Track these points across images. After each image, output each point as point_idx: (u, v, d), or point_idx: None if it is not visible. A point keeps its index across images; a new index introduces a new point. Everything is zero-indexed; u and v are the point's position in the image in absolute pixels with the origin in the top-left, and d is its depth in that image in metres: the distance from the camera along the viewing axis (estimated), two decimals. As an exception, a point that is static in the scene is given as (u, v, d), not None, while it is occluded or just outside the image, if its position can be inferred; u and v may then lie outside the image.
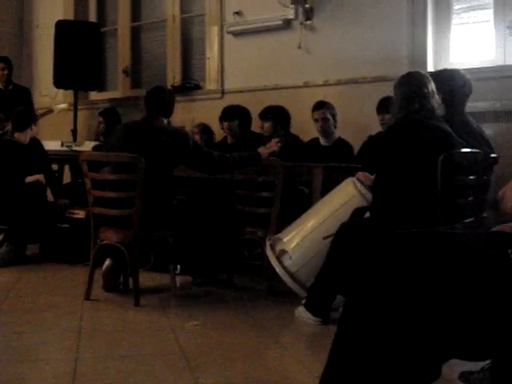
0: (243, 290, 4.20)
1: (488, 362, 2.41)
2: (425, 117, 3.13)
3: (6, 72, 6.51)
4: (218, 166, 4.05)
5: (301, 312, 3.42)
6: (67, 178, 6.30)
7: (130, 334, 3.22)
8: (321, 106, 4.98)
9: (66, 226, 5.07)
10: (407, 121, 3.15)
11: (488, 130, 4.07)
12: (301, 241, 3.64)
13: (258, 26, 5.87)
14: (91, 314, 3.56)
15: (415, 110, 3.15)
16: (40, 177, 5.06)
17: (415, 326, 2.38)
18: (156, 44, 7.02)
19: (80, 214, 5.06)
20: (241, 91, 6.02)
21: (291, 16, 5.67)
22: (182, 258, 4.25)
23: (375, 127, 4.80)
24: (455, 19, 5.08)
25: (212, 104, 6.12)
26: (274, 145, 4.19)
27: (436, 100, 3.21)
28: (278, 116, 5.15)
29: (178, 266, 4.42)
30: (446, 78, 3.56)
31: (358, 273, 2.73)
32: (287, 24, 5.72)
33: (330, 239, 3.36)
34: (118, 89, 7.22)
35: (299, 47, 5.61)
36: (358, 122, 5.28)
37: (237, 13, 6.01)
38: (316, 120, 4.99)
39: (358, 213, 3.42)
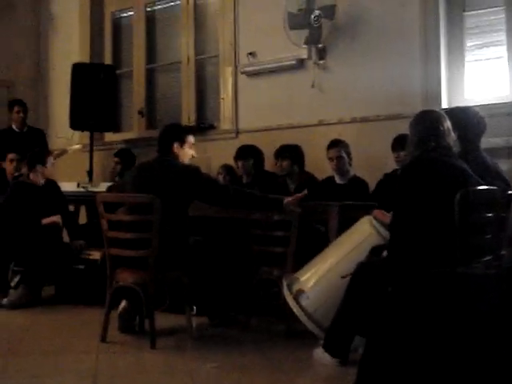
0: (260, 330, 4.16)
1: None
2: (441, 154, 3.12)
3: (21, 115, 6.59)
4: (234, 201, 4.01)
5: (319, 353, 3.36)
6: (83, 218, 6.32)
7: (147, 376, 3.19)
8: (335, 144, 4.99)
9: (82, 267, 5.07)
10: (423, 159, 3.14)
11: (503, 166, 4.05)
12: (318, 280, 3.61)
13: (271, 66, 5.92)
14: (107, 356, 3.53)
15: (431, 148, 3.14)
16: (56, 218, 5.08)
17: (436, 365, 2.35)
18: (171, 85, 7.09)
19: (95, 255, 5.05)
20: (255, 131, 6.05)
21: (304, 56, 5.72)
22: (197, 298, 4.22)
23: (390, 165, 4.80)
24: (468, 56, 5.11)
25: (227, 144, 6.15)
26: (301, 196, 4.03)
27: (452, 138, 3.21)
28: (294, 155, 5.17)
29: (194, 307, 4.39)
30: (459, 115, 3.56)
31: (377, 313, 2.70)
32: (301, 64, 5.77)
33: (347, 278, 3.32)
34: (133, 130, 7.28)
35: (313, 86, 5.65)
36: (373, 159, 5.28)
37: (250, 53, 6.07)
38: (331, 158, 5.00)
39: (375, 251, 3.40)
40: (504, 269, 2.65)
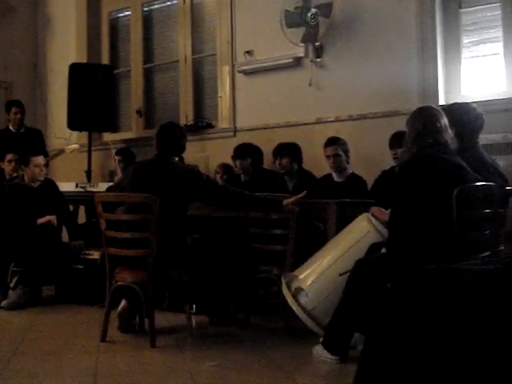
0: (259, 329, 4.17)
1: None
2: (438, 151, 3.13)
3: (18, 116, 6.59)
4: (233, 202, 4.02)
5: (318, 350, 3.37)
6: (82, 218, 6.33)
7: (147, 375, 3.19)
8: (332, 142, 5.00)
9: (81, 267, 5.07)
10: (421, 156, 3.15)
11: (501, 162, 4.06)
12: (317, 278, 3.62)
13: (268, 64, 5.93)
14: (107, 355, 3.53)
15: (429, 144, 3.15)
16: (51, 218, 5.07)
17: (435, 362, 2.35)
18: (168, 84, 7.10)
19: (95, 254, 5.06)
20: (253, 129, 6.05)
21: (301, 54, 5.72)
22: (197, 297, 4.23)
23: (388, 162, 4.81)
24: (465, 53, 5.11)
25: (225, 142, 6.16)
26: (301, 197, 4.02)
27: (449, 134, 3.21)
28: (293, 152, 5.18)
29: (194, 306, 4.40)
30: (457, 111, 3.57)
31: (376, 310, 2.70)
32: (298, 62, 5.77)
33: (346, 276, 3.33)
34: (131, 129, 7.29)
35: (310, 84, 5.65)
36: (371, 157, 5.29)
37: (247, 52, 6.08)
38: (328, 156, 5.01)
39: (373, 249, 3.41)
40: (502, 264, 2.66)
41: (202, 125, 6.47)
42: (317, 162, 5.36)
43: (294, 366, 3.34)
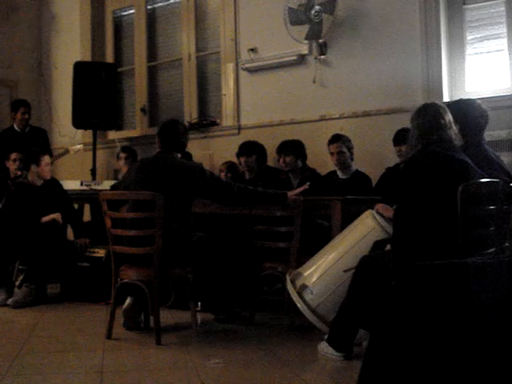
0: (264, 326, 4.17)
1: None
2: (443, 148, 3.12)
3: (26, 116, 6.57)
4: (238, 198, 4.03)
5: (323, 347, 3.38)
6: (87, 216, 6.34)
7: (152, 372, 3.20)
8: (336, 139, 5.00)
9: (87, 264, 5.09)
10: (426, 153, 3.15)
11: (505, 158, 4.06)
12: (322, 275, 3.62)
13: (272, 62, 5.93)
14: (113, 353, 3.54)
15: (433, 141, 3.14)
16: (55, 216, 5.07)
17: (440, 358, 2.35)
18: (172, 82, 7.10)
19: (100, 252, 5.08)
20: (257, 127, 6.06)
21: (305, 51, 5.73)
22: (202, 294, 4.24)
23: (392, 159, 4.81)
24: (469, 49, 5.11)
25: (229, 140, 6.17)
26: (303, 189, 4.10)
27: (453, 131, 3.21)
28: (297, 150, 5.18)
29: (199, 303, 4.41)
30: (462, 108, 3.56)
31: (381, 307, 2.70)
32: (301, 59, 5.78)
33: (350, 272, 3.33)
34: (135, 127, 7.30)
35: (314, 81, 5.65)
36: (375, 153, 5.28)
37: (251, 50, 6.08)
38: (332, 153, 5.01)
39: (378, 245, 3.40)
40: (508, 260, 2.66)
41: (206, 122, 6.47)
42: (321, 160, 5.37)
43: (299, 362, 3.35)
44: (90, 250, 5.15)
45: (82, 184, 5.73)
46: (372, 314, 3.08)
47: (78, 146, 6.59)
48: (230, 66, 6.28)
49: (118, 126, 7.19)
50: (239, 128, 6.23)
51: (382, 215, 3.52)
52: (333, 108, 5.62)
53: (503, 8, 4.94)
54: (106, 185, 5.55)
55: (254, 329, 4.09)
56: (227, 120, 6.35)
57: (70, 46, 7.61)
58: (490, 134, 3.93)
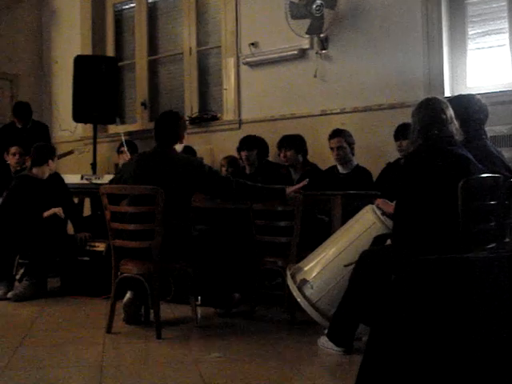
0: (264, 320, 4.18)
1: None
2: (444, 143, 3.12)
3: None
4: (237, 193, 4.01)
5: (323, 342, 3.38)
6: (87, 211, 6.34)
7: (153, 366, 3.20)
8: (337, 134, 4.99)
9: (87, 259, 5.09)
10: (427, 147, 3.14)
11: (507, 154, 4.05)
12: (322, 269, 3.62)
13: (273, 56, 5.92)
14: (113, 347, 3.55)
15: (434, 136, 3.14)
16: (57, 210, 5.06)
17: (441, 353, 2.35)
18: (173, 76, 7.10)
19: (100, 246, 5.08)
20: (258, 121, 6.05)
21: (306, 46, 5.72)
22: (202, 288, 4.24)
23: (393, 153, 4.80)
24: (471, 44, 5.10)
25: (230, 134, 6.16)
26: (302, 185, 4.07)
27: (454, 126, 3.20)
28: (298, 144, 5.17)
29: (199, 297, 4.41)
30: (461, 103, 3.56)
31: (381, 301, 2.70)
32: (303, 54, 5.77)
33: (350, 267, 3.33)
34: (136, 121, 7.29)
35: (315, 76, 5.64)
36: (376, 148, 5.28)
37: (252, 44, 6.07)
38: (332, 148, 5.01)
39: (378, 240, 3.40)
40: (508, 255, 2.66)
41: (207, 117, 6.47)
42: (322, 154, 5.36)
43: (299, 357, 3.35)
44: (90, 244, 5.15)
45: (82, 178, 5.72)
46: (372, 309, 3.09)
47: (83, 148, 6.59)
48: (231, 61, 6.27)
49: (119, 120, 7.17)
50: (240, 122, 6.22)
51: (382, 210, 3.52)
52: (334, 103, 5.61)
53: (505, 3, 4.92)
54: (107, 179, 5.53)
55: (254, 323, 4.09)
56: (228, 114, 6.34)
57: (70, 39, 7.61)
58: (491, 130, 3.92)
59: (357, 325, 3.30)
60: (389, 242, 3.30)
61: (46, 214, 5.04)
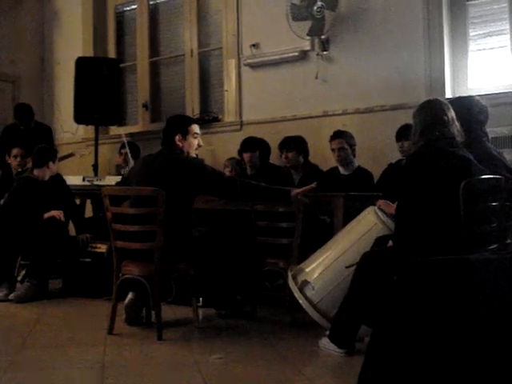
0: (266, 321, 4.17)
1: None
2: (445, 144, 3.12)
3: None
4: (242, 192, 3.97)
5: (325, 343, 3.38)
6: (89, 212, 6.34)
7: (154, 368, 3.20)
8: (338, 135, 4.99)
9: (88, 260, 5.09)
10: (428, 149, 3.14)
11: (508, 155, 4.05)
12: (323, 271, 3.62)
13: (274, 57, 5.93)
14: (114, 348, 3.54)
15: (436, 137, 3.14)
16: (57, 213, 5.05)
17: (443, 354, 2.35)
18: (175, 78, 7.10)
19: (101, 248, 5.08)
20: (259, 123, 6.06)
21: (307, 47, 5.73)
22: (204, 290, 4.24)
23: (394, 155, 4.81)
24: (472, 45, 5.10)
25: (231, 136, 6.17)
26: (310, 188, 3.97)
27: (456, 127, 3.20)
28: (299, 146, 5.17)
29: (201, 299, 4.41)
30: (462, 105, 3.55)
31: (383, 302, 2.70)
32: (304, 55, 5.77)
33: (352, 268, 3.33)
34: (138, 123, 7.30)
35: (316, 77, 5.65)
36: (377, 149, 5.28)
37: (253, 45, 6.08)
38: (333, 150, 5.01)
39: (380, 242, 3.40)
40: (510, 256, 2.66)
41: (208, 118, 6.47)
42: (323, 156, 5.36)
43: (301, 358, 3.34)
44: (91, 246, 5.15)
45: (84, 179, 5.73)
46: (374, 310, 3.08)
47: (84, 150, 6.59)
48: (232, 62, 6.28)
49: (120, 122, 7.18)
50: (241, 124, 6.23)
51: (383, 211, 3.52)
52: (335, 104, 5.61)
53: (506, 4, 4.93)
54: (108, 180, 5.54)
55: (256, 324, 4.09)
56: (229, 116, 6.35)
57: (72, 41, 7.61)
58: (492, 131, 3.92)
59: (358, 326, 3.29)
60: (390, 243, 3.29)
61: (45, 215, 5.04)
